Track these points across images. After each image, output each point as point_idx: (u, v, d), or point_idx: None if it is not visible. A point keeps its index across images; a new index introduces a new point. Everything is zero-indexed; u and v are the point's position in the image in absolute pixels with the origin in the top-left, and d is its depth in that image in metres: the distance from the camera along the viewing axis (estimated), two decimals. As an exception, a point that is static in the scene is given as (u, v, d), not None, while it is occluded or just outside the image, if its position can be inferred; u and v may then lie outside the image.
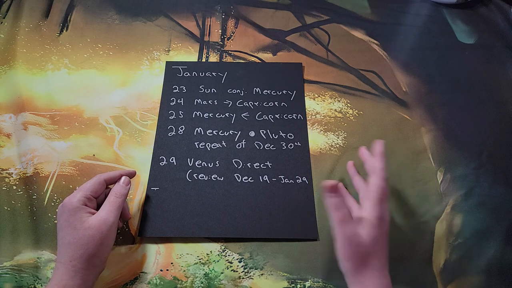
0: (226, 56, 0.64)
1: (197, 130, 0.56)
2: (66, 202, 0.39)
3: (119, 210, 0.42)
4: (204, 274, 0.45)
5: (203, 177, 0.51)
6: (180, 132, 0.55)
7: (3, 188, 0.50)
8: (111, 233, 0.40)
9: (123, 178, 0.44)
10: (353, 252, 0.37)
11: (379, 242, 0.38)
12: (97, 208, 0.42)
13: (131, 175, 0.46)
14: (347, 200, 0.44)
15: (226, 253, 0.46)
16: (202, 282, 0.44)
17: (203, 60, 0.64)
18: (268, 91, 0.59)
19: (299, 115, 0.57)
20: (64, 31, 0.66)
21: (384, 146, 0.43)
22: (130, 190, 0.50)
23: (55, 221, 0.45)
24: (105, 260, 0.41)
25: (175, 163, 0.52)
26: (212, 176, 0.52)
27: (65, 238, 0.38)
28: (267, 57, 0.64)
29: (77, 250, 0.38)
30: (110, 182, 0.44)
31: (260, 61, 0.64)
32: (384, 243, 0.39)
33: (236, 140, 0.55)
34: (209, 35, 0.67)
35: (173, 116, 0.57)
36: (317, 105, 0.59)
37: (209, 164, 0.52)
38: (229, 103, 0.58)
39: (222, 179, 0.51)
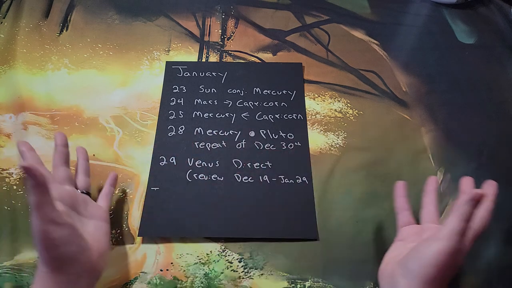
0: (226, 56, 0.64)
1: (197, 130, 0.56)
2: None
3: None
4: (204, 274, 0.45)
5: (203, 177, 0.51)
6: (180, 132, 0.55)
7: (3, 188, 0.50)
8: None
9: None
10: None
11: None
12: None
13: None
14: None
15: (226, 253, 0.46)
16: (202, 282, 0.44)
17: (203, 60, 0.64)
18: (268, 91, 0.59)
19: (299, 115, 0.57)
20: (64, 31, 0.66)
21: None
22: (131, 190, 0.50)
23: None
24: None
25: (175, 163, 0.52)
26: (212, 176, 0.51)
27: None
28: (267, 57, 0.64)
29: None
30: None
31: (260, 61, 0.64)
32: None
33: (236, 140, 0.55)
34: (209, 35, 0.67)
35: (173, 116, 0.57)
36: (317, 105, 0.59)
37: (209, 164, 0.52)
38: (229, 103, 0.58)
39: (222, 179, 0.51)
